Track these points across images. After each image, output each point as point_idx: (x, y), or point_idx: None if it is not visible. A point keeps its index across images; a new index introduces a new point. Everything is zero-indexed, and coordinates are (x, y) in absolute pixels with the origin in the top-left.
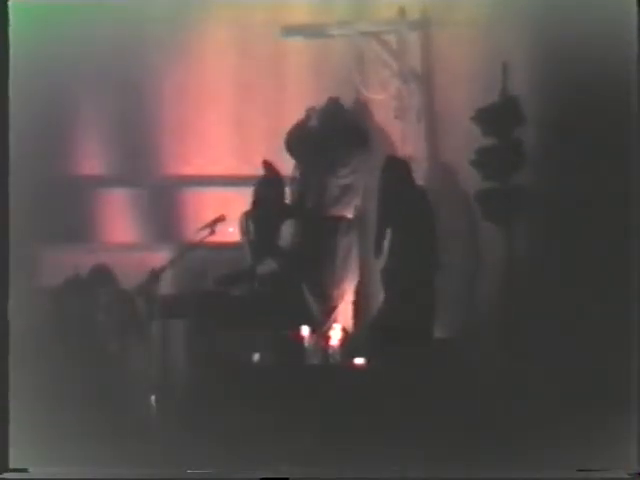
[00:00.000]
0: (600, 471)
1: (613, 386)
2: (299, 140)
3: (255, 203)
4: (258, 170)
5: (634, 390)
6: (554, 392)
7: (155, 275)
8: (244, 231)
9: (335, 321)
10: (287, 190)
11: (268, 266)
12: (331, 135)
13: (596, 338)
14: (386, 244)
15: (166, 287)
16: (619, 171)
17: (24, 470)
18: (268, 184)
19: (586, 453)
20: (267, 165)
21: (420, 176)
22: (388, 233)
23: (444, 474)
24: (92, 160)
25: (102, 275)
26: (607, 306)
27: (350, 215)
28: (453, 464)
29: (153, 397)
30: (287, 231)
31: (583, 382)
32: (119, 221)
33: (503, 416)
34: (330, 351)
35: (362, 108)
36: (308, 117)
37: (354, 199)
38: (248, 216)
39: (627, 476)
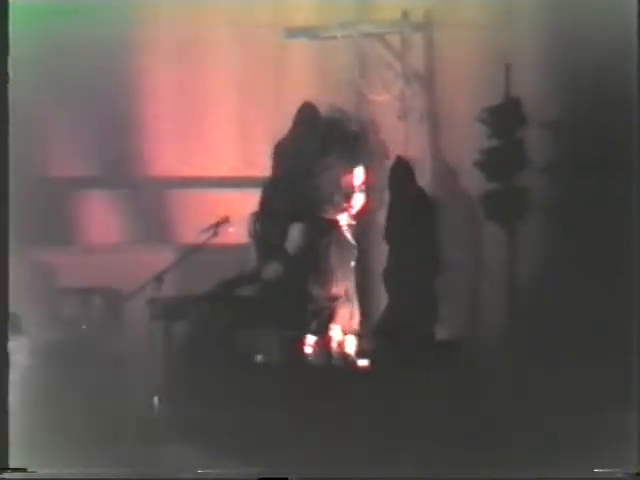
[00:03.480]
0: (600, 471)
1: (613, 386)
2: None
3: (261, 205)
4: (262, 171)
5: (634, 390)
6: (555, 392)
7: (158, 277)
8: (252, 233)
9: (337, 323)
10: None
11: (274, 268)
12: (329, 140)
13: (597, 338)
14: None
15: (169, 289)
16: (622, 172)
17: (24, 470)
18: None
19: (586, 453)
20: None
21: (423, 177)
22: (391, 233)
23: (444, 474)
24: (93, 161)
25: None
26: (608, 306)
27: (352, 217)
28: (453, 464)
29: (155, 398)
30: (291, 233)
31: (583, 382)
32: (122, 222)
33: (503, 416)
34: (331, 352)
35: (365, 109)
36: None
37: (356, 200)
38: (256, 218)
39: (627, 476)
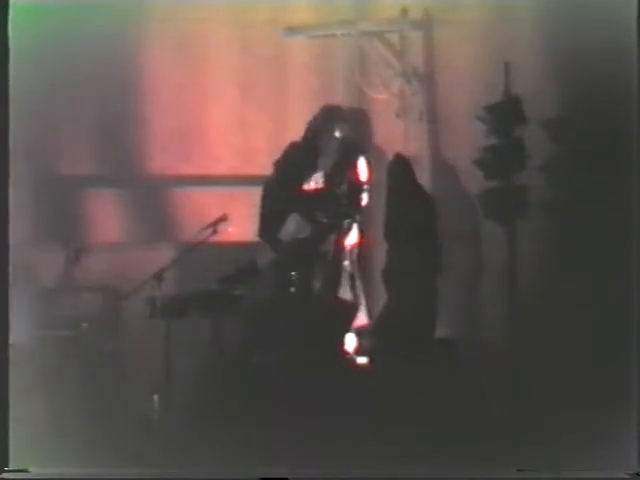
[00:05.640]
0: (600, 471)
1: (613, 386)
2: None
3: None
4: (261, 170)
5: (634, 390)
6: (555, 392)
7: (158, 275)
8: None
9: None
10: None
11: (276, 267)
12: (331, 139)
13: (597, 338)
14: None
15: (169, 287)
16: (621, 170)
17: (24, 470)
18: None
19: (586, 453)
20: None
21: (422, 175)
22: (390, 232)
23: (444, 474)
24: (93, 160)
25: None
26: (608, 306)
27: (355, 215)
28: (453, 464)
29: (155, 396)
30: (287, 224)
31: (583, 382)
32: (121, 221)
33: (503, 416)
34: (334, 351)
35: (364, 107)
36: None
37: (360, 198)
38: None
39: (627, 476)
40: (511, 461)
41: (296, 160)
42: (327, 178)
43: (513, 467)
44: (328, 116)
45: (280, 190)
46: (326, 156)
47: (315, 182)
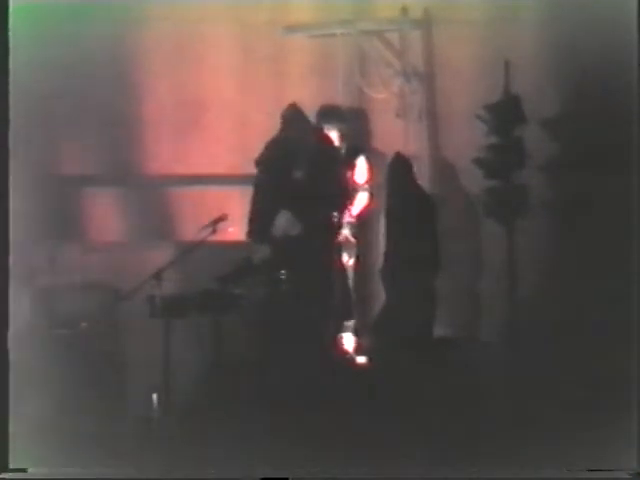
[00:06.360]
0: (600, 471)
1: (613, 386)
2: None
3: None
4: None
5: (634, 390)
6: (555, 392)
7: (157, 275)
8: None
9: (336, 321)
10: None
11: (272, 266)
12: (329, 139)
13: (597, 338)
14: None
15: (168, 287)
16: (621, 169)
17: (24, 470)
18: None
19: (586, 453)
20: None
21: (422, 175)
22: (389, 231)
23: (444, 474)
24: (93, 160)
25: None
26: (608, 306)
27: (353, 215)
28: (453, 464)
29: (155, 396)
30: (278, 220)
31: (583, 382)
32: (120, 221)
33: (503, 416)
34: (333, 351)
35: (364, 107)
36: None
37: (359, 198)
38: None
39: (627, 476)
40: (511, 461)
41: (281, 158)
42: (320, 176)
43: (513, 467)
44: (329, 116)
45: (268, 189)
46: (317, 154)
47: (307, 180)
